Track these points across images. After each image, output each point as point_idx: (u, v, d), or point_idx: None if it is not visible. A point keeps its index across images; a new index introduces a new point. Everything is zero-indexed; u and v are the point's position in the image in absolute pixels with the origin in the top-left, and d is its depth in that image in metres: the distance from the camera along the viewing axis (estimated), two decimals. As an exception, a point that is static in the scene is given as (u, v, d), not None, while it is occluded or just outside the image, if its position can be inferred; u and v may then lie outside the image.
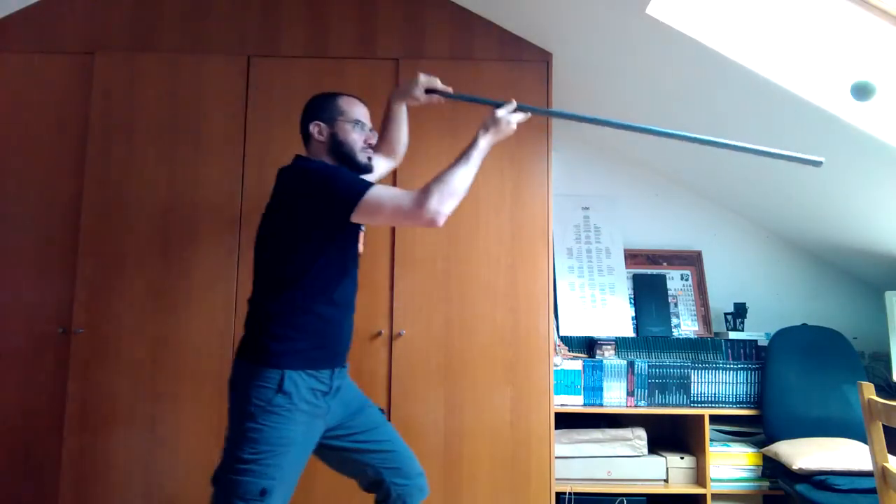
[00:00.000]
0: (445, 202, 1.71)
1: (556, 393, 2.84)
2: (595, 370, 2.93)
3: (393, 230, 2.62)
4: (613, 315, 3.05)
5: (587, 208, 3.26)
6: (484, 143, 1.83)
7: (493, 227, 2.64)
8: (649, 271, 3.20)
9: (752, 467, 2.83)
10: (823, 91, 2.21)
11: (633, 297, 3.13)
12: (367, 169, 1.93)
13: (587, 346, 3.06)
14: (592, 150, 3.34)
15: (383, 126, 2.14)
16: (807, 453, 2.50)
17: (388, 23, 2.74)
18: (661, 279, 3.17)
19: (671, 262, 3.24)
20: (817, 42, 2.15)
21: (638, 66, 2.60)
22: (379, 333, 2.58)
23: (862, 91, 1.94)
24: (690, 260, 3.25)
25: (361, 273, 2.62)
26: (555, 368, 2.72)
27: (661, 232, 3.30)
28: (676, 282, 3.20)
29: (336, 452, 1.89)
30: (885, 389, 2.87)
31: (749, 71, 2.24)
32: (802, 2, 2.06)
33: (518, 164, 2.67)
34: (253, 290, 1.86)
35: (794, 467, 2.47)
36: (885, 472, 1.71)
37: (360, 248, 1.98)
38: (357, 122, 1.90)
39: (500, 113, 1.86)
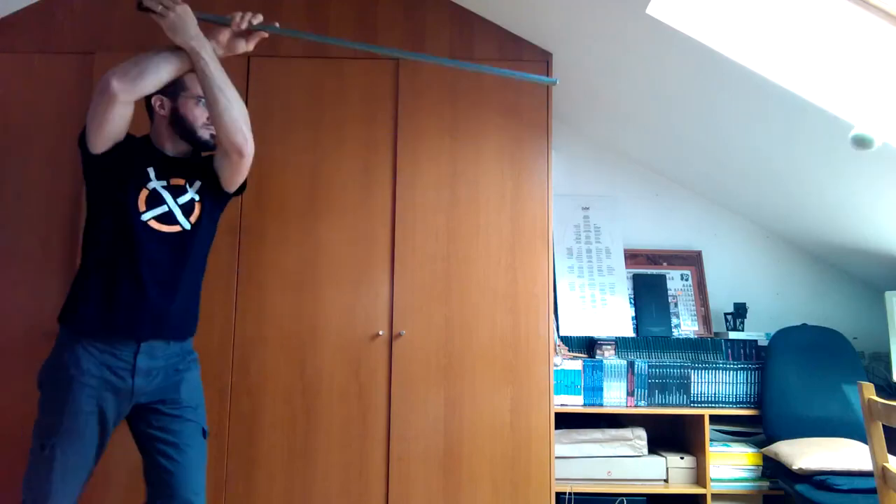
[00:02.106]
0: (124, 72, 1.77)
1: (556, 393, 2.84)
2: (595, 370, 2.93)
3: (393, 230, 2.62)
4: (613, 315, 3.05)
5: (587, 208, 3.26)
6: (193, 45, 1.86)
7: (493, 227, 2.64)
8: (649, 271, 3.20)
9: (752, 467, 2.83)
10: (824, 91, 2.21)
11: (633, 297, 3.13)
12: (209, 145, 1.93)
13: (587, 346, 3.06)
14: (592, 150, 3.34)
15: None
16: (807, 453, 2.50)
17: (388, 23, 2.74)
18: (661, 279, 3.17)
19: (671, 262, 3.24)
20: (817, 42, 2.15)
21: (638, 66, 2.59)
22: (379, 333, 2.58)
23: (860, 142, 1.95)
24: (690, 260, 3.25)
25: (361, 273, 2.62)
26: (555, 368, 2.72)
27: (661, 232, 3.30)
28: (676, 282, 3.20)
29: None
30: (885, 389, 2.87)
31: (749, 71, 2.24)
32: (802, 2, 2.06)
33: (518, 164, 2.67)
34: None
35: (794, 467, 2.47)
36: (885, 472, 1.71)
37: (151, 213, 1.86)
38: (200, 98, 1.88)
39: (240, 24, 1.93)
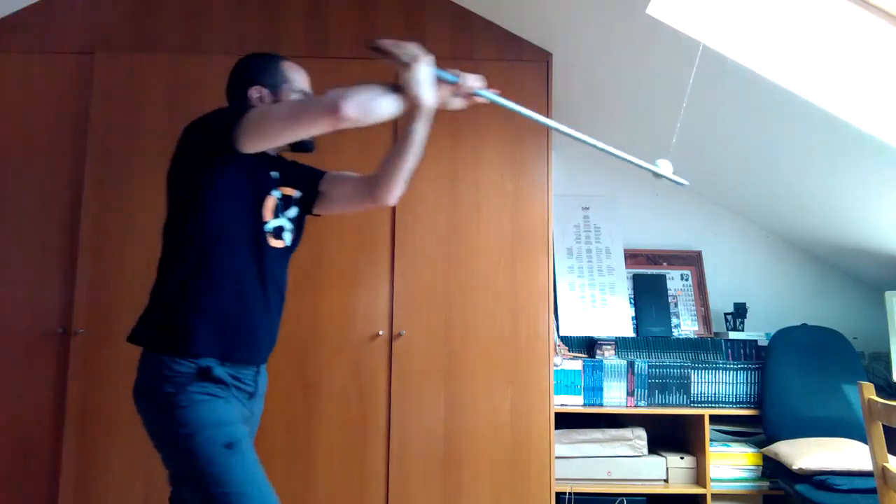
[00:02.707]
0: (355, 101, 1.42)
1: (556, 393, 2.84)
2: (595, 370, 2.93)
3: (393, 230, 2.62)
4: (613, 315, 3.05)
5: (587, 208, 3.26)
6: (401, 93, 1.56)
7: (493, 227, 2.64)
8: (649, 271, 3.20)
9: (752, 467, 2.83)
10: (823, 91, 2.21)
11: (633, 297, 3.13)
12: (311, 147, 1.71)
13: (587, 346, 3.06)
14: (592, 150, 3.30)
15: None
16: (807, 453, 2.50)
17: (388, 23, 2.74)
18: (661, 279, 3.17)
19: (671, 262, 3.24)
20: (817, 42, 2.15)
21: (638, 66, 2.59)
22: (379, 333, 2.58)
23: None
24: (690, 260, 3.25)
25: (361, 273, 2.62)
26: (555, 368, 2.72)
27: (661, 232, 3.30)
28: (676, 282, 3.20)
29: None
30: (885, 389, 2.87)
31: (749, 71, 2.24)
32: (802, 2, 2.06)
33: (518, 164, 2.67)
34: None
35: (794, 467, 2.47)
36: (885, 472, 1.71)
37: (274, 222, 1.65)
38: (302, 92, 1.69)
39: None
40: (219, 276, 1.54)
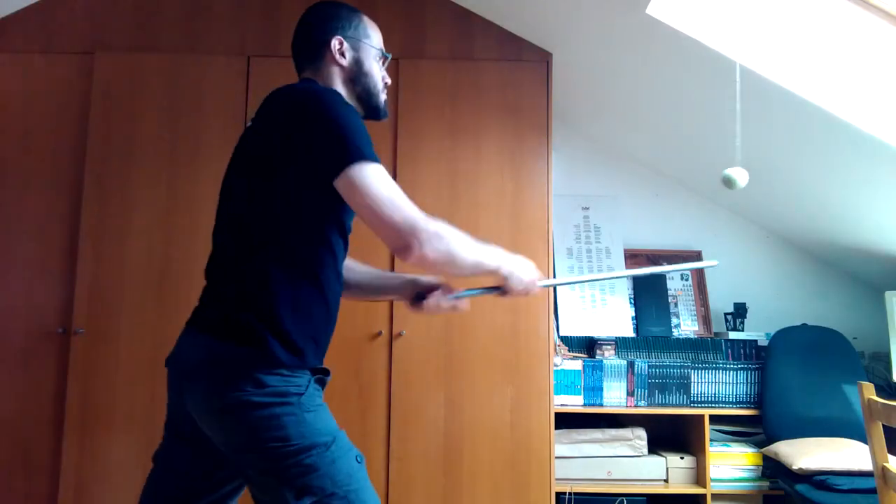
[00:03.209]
0: (439, 246, 1.35)
1: (556, 393, 2.84)
2: (595, 370, 2.93)
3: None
4: (613, 315, 3.05)
5: (587, 208, 3.26)
6: (501, 265, 1.53)
7: (493, 227, 2.64)
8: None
9: (752, 467, 2.83)
10: (823, 91, 2.21)
11: (633, 297, 3.13)
12: (383, 114, 1.56)
13: (587, 346, 3.06)
14: (592, 150, 3.34)
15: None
16: (807, 453, 2.50)
17: (388, 23, 2.74)
18: (661, 279, 3.17)
19: (671, 263, 3.24)
20: (817, 42, 2.15)
21: (638, 66, 2.60)
22: (379, 333, 2.58)
23: (727, 182, 2.01)
24: (690, 260, 3.25)
25: (361, 273, 2.62)
26: (555, 368, 2.72)
27: (661, 232, 3.30)
28: (676, 282, 3.20)
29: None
30: (885, 389, 2.87)
31: (749, 71, 2.24)
32: (802, 2, 2.06)
33: (518, 164, 2.67)
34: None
35: (794, 467, 2.47)
36: (885, 472, 1.71)
37: None
38: (381, 52, 1.54)
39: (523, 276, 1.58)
40: (331, 282, 1.43)
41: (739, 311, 3.10)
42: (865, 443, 1.87)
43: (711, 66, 2.34)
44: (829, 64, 2.17)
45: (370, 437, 2.54)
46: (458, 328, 2.59)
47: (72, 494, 2.51)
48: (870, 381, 1.79)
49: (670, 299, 3.15)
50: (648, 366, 2.95)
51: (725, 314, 3.16)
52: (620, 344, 3.01)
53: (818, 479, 2.43)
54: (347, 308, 2.59)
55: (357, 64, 1.49)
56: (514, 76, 2.70)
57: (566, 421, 2.87)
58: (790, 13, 2.11)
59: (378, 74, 1.52)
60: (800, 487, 2.45)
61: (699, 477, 2.82)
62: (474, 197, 2.65)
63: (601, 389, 2.92)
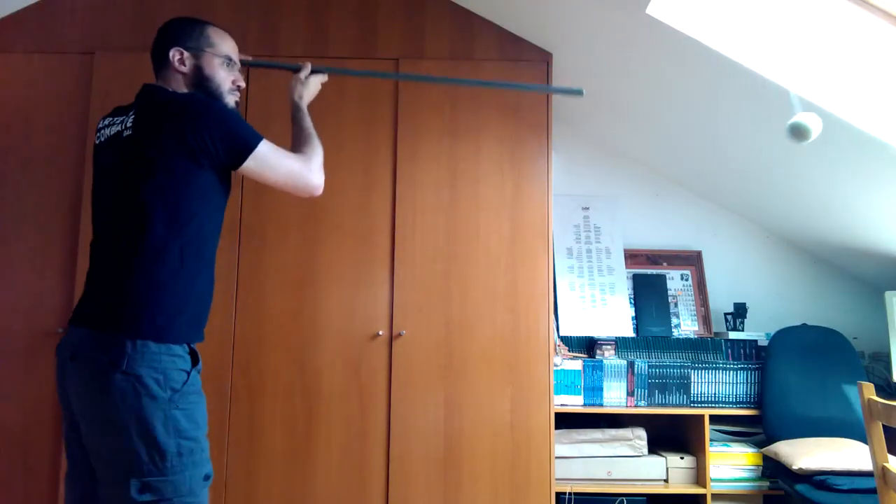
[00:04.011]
0: (322, 170, 1.68)
1: (556, 393, 2.84)
2: (595, 370, 2.93)
3: (393, 230, 2.62)
4: (613, 315, 3.05)
5: (587, 208, 3.26)
6: (305, 105, 1.83)
7: (493, 227, 2.64)
8: (649, 271, 3.20)
9: (752, 467, 2.83)
10: (823, 91, 2.21)
11: (633, 297, 3.13)
12: None
13: (587, 346, 3.06)
14: (592, 150, 3.34)
15: None
16: (807, 453, 2.50)
17: (388, 23, 2.74)
18: (661, 279, 3.17)
19: (671, 262, 3.24)
20: (817, 42, 2.15)
21: (638, 66, 2.60)
22: (379, 333, 2.58)
23: (797, 131, 1.90)
24: (690, 260, 3.25)
25: (361, 273, 2.63)
26: (555, 368, 2.72)
27: (661, 232, 3.30)
28: (676, 282, 3.20)
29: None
30: (885, 389, 2.87)
31: (749, 71, 2.24)
32: (802, 2, 2.06)
33: (518, 164, 2.67)
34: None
35: (794, 467, 2.47)
36: (885, 472, 1.71)
37: None
38: (228, 58, 1.69)
39: (303, 76, 1.88)
40: (208, 267, 1.60)
41: (739, 311, 3.11)
42: (865, 443, 1.87)
43: (711, 67, 2.34)
44: (829, 64, 2.17)
45: (370, 437, 2.54)
46: (458, 328, 2.59)
47: (72, 494, 2.50)
48: (870, 381, 1.79)
49: (670, 299, 3.15)
50: (648, 366, 2.95)
51: (725, 314, 3.16)
52: (620, 344, 3.01)
53: (818, 479, 2.43)
54: (347, 308, 2.60)
55: (198, 70, 1.66)
56: (514, 76, 2.70)
57: (566, 421, 2.87)
58: (790, 13, 2.11)
59: (223, 79, 1.69)
60: (800, 487, 2.45)
61: (699, 477, 2.82)
62: (474, 197, 2.65)
63: (601, 389, 2.92)
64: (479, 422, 2.55)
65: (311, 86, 1.88)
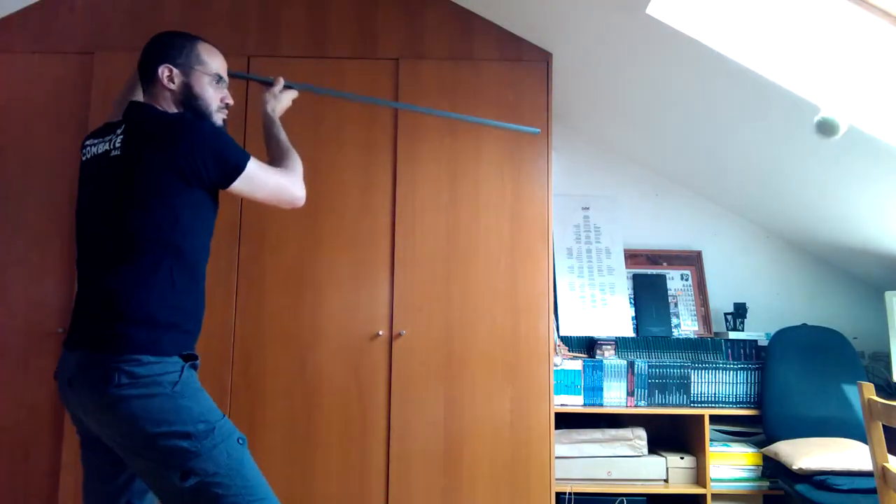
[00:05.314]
0: (303, 184, 1.72)
1: (556, 393, 2.84)
2: (595, 370, 2.93)
3: (393, 230, 2.62)
4: (613, 315, 3.05)
5: (587, 208, 3.26)
6: (278, 118, 1.87)
7: (493, 227, 2.64)
8: (649, 271, 3.20)
9: (752, 467, 2.83)
10: (823, 91, 2.21)
11: (633, 297, 3.13)
12: None
13: (587, 346, 3.06)
14: (592, 150, 3.34)
15: None
16: (807, 453, 2.50)
17: (388, 23, 2.74)
18: (661, 279, 3.17)
19: (671, 262, 3.24)
20: (817, 42, 2.15)
21: (638, 66, 2.60)
22: (379, 333, 2.58)
23: (825, 128, 1.91)
24: (690, 260, 3.25)
25: (361, 273, 2.63)
26: (555, 368, 2.72)
27: (661, 232, 3.30)
28: (676, 282, 3.20)
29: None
30: (885, 389, 2.87)
31: (749, 71, 2.24)
32: (802, 2, 2.06)
33: (518, 164, 2.67)
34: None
35: (794, 467, 2.47)
36: (885, 472, 1.71)
37: None
38: (217, 76, 1.68)
39: (276, 90, 1.91)
40: (199, 274, 1.63)
41: (739, 311, 3.11)
42: (865, 443, 1.87)
43: (711, 67, 2.34)
44: (829, 64, 2.17)
45: (370, 437, 2.54)
46: (458, 328, 2.59)
47: (72, 495, 2.50)
48: (870, 381, 1.79)
49: (670, 299, 3.15)
50: (648, 366, 2.95)
51: (725, 314, 3.16)
52: (620, 344, 3.01)
53: (818, 479, 2.43)
54: (347, 308, 2.60)
55: (186, 88, 1.65)
56: (514, 76, 2.70)
57: (566, 421, 2.87)
58: (790, 13, 2.11)
59: (211, 97, 1.68)
60: (800, 487, 2.45)
61: (699, 477, 2.82)
62: (474, 197, 2.65)
63: (601, 389, 2.92)
64: (479, 421, 2.55)
65: (283, 100, 1.91)
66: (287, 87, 1.93)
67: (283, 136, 1.81)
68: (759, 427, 2.90)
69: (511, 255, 2.63)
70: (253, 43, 2.73)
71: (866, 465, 2.37)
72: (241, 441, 1.50)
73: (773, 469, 2.74)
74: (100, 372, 1.44)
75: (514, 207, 2.65)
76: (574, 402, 2.91)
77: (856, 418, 2.75)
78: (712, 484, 2.79)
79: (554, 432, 2.56)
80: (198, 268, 1.60)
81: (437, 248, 2.63)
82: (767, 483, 2.81)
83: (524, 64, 2.71)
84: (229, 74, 1.79)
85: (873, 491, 1.82)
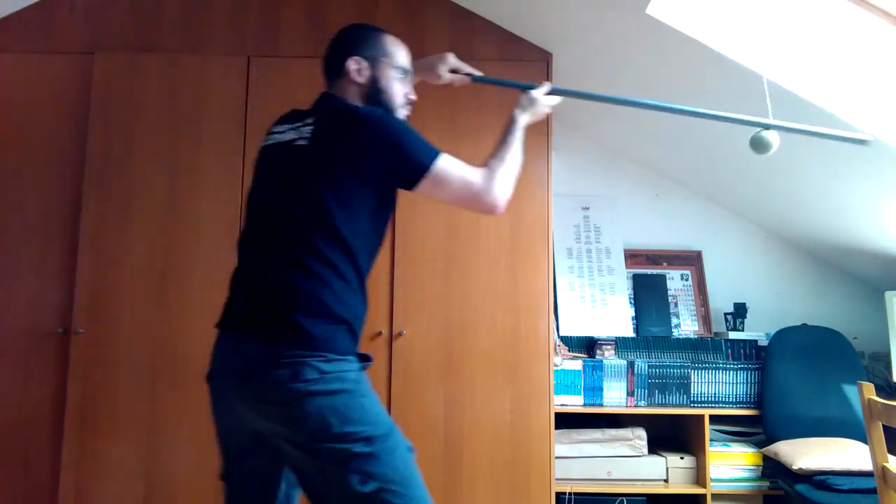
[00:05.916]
0: (508, 189, 1.57)
1: (556, 393, 2.84)
2: (595, 370, 2.93)
3: (393, 230, 2.62)
4: (613, 315, 3.05)
5: (587, 208, 3.26)
6: (522, 123, 1.71)
7: (493, 227, 2.64)
8: (649, 271, 3.20)
9: (752, 467, 2.83)
10: (823, 91, 2.21)
11: (633, 297, 3.13)
12: None
13: (587, 346, 3.06)
14: (592, 150, 3.34)
15: None
16: (807, 453, 2.50)
17: (389, 23, 2.73)
18: (661, 279, 3.17)
19: (671, 262, 3.24)
20: (817, 42, 2.15)
21: (638, 66, 2.59)
22: (379, 333, 2.58)
23: (758, 144, 1.94)
24: (690, 260, 3.25)
25: (361, 273, 2.63)
26: (555, 368, 2.72)
27: (661, 232, 3.30)
28: (676, 282, 3.20)
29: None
30: (885, 389, 2.87)
31: (749, 71, 2.24)
32: (802, 2, 2.06)
33: (518, 164, 2.66)
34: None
35: (794, 467, 2.47)
36: (885, 472, 1.71)
37: None
38: (403, 69, 1.62)
39: (536, 94, 1.76)
40: (365, 274, 1.53)
41: (739, 311, 3.11)
42: (865, 443, 1.87)
43: (711, 66, 2.34)
44: (829, 64, 2.17)
45: (370, 437, 2.54)
46: (458, 328, 2.59)
47: (72, 494, 2.50)
48: (870, 381, 1.79)
49: (670, 299, 3.15)
50: (648, 366, 2.95)
51: (725, 314, 3.16)
52: (620, 344, 3.01)
53: (818, 479, 2.43)
54: (347, 308, 2.60)
55: (374, 82, 1.58)
56: (515, 76, 2.69)
57: (566, 421, 2.87)
58: (790, 13, 2.11)
59: (397, 91, 1.60)
60: (800, 487, 2.45)
61: (699, 477, 2.82)
62: (474, 197, 2.65)
63: (601, 389, 2.92)
64: (478, 421, 2.55)
65: (538, 105, 1.77)
66: (553, 91, 1.79)
67: (510, 137, 1.66)
68: (759, 427, 2.90)
69: (511, 254, 2.63)
70: (253, 43, 2.73)
71: (866, 465, 2.37)
72: (410, 450, 1.43)
73: (773, 469, 2.74)
74: (285, 366, 1.36)
75: (514, 207, 2.65)
76: (574, 402, 2.91)
77: (856, 418, 2.75)
78: (712, 484, 2.78)
79: (554, 432, 2.56)
80: (367, 272, 1.53)
81: (437, 247, 2.63)
82: (767, 483, 2.81)
83: (524, 64, 2.71)
84: (487, 80, 1.76)
85: (873, 491, 1.81)
